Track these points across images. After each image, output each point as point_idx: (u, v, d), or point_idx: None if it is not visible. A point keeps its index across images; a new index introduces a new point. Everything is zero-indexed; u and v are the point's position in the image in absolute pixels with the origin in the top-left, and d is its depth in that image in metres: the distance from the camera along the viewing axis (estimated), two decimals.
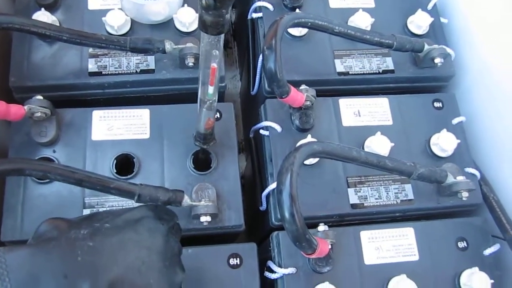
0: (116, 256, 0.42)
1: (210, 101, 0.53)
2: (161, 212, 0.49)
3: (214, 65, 0.49)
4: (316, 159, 0.66)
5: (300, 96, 0.64)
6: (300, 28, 0.73)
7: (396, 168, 0.60)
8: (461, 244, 0.67)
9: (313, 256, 0.55)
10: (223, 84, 0.72)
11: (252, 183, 0.79)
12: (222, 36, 0.46)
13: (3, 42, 0.73)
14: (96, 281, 0.40)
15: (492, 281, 0.63)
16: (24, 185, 0.62)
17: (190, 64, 0.67)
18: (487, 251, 0.66)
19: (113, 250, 0.42)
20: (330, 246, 0.59)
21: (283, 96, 0.62)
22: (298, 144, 0.62)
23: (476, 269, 0.64)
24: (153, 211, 0.48)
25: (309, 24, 0.64)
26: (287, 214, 0.49)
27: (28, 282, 0.38)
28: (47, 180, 0.62)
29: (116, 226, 0.44)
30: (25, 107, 0.60)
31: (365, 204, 0.67)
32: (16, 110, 0.59)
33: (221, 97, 0.77)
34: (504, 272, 0.68)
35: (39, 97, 0.62)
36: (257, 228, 0.80)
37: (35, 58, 0.69)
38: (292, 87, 0.63)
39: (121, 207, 0.63)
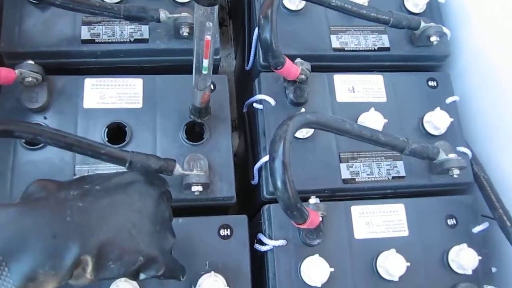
0: (107, 218, 0.42)
1: (205, 75, 0.53)
2: (152, 178, 0.48)
3: (208, 37, 0.48)
4: (310, 133, 0.66)
5: (295, 68, 0.64)
6: (297, 2, 0.73)
7: (389, 143, 0.60)
8: (451, 222, 0.67)
9: (304, 226, 0.55)
10: (217, 57, 0.71)
11: (245, 160, 0.78)
12: (216, 7, 0.45)
13: None
14: (86, 242, 0.39)
15: (480, 257, 0.63)
16: (14, 151, 0.61)
17: (185, 34, 0.66)
18: (476, 229, 0.67)
19: (103, 212, 0.42)
20: (320, 219, 0.59)
21: (278, 67, 0.61)
22: None
23: (464, 245, 0.64)
24: (144, 176, 0.47)
25: None
26: (279, 182, 0.49)
27: (15, 241, 0.37)
28: (38, 146, 0.61)
29: (106, 189, 0.44)
30: (16, 71, 0.59)
31: (356, 180, 0.67)
32: (6, 74, 0.58)
33: (215, 71, 0.77)
34: (491, 250, 0.68)
35: (31, 61, 0.61)
36: (248, 206, 0.80)
37: (27, 24, 0.68)
38: (287, 59, 0.62)
39: None
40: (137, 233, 0.43)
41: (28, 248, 0.37)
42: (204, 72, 0.52)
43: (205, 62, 0.51)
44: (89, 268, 0.39)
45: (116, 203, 0.43)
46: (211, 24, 0.46)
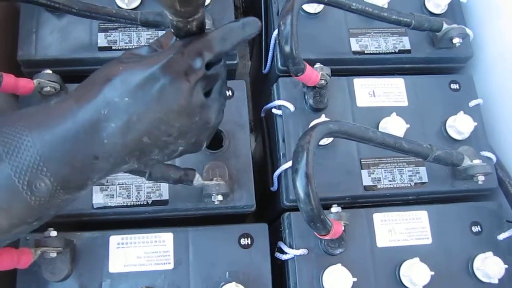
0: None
1: None
2: (184, 64, 0.39)
3: None
4: (330, 140, 0.65)
5: (315, 74, 0.62)
6: (315, 5, 0.71)
7: (413, 150, 0.59)
8: (475, 229, 0.66)
9: (327, 237, 0.54)
10: (235, 62, 0.70)
11: (262, 164, 0.78)
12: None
13: (11, 14, 0.71)
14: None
15: (506, 266, 0.62)
16: None
17: None
18: (501, 236, 0.65)
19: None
20: (343, 228, 0.58)
21: (298, 74, 0.60)
22: (313, 123, 0.61)
23: (490, 253, 0.63)
24: (169, 72, 0.39)
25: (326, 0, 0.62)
26: (302, 194, 0.48)
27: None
28: None
29: (134, 101, 0.38)
30: (34, 81, 0.59)
31: (378, 186, 0.66)
32: (25, 84, 0.57)
33: (233, 76, 0.76)
34: None
35: (48, 71, 0.60)
36: (265, 211, 0.79)
37: (43, 32, 0.67)
38: (307, 65, 0.61)
39: (131, 183, 0.62)
40: (175, 136, 0.39)
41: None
42: None
43: None
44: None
45: (146, 112, 0.38)
46: None
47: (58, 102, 0.38)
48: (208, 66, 0.40)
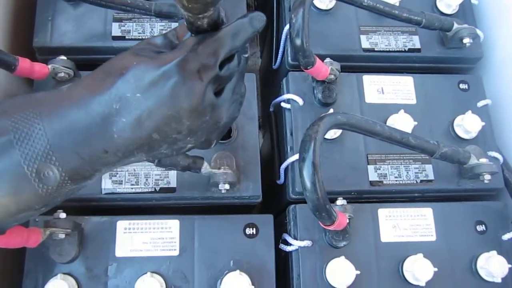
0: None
1: None
2: (196, 63, 0.39)
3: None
4: (337, 134, 0.66)
5: (324, 68, 0.63)
6: (327, 1, 0.72)
7: (419, 146, 0.59)
8: (480, 228, 0.66)
9: (331, 228, 0.54)
10: (246, 55, 0.71)
11: (269, 159, 0.78)
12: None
13: (28, 2, 0.72)
14: None
15: (510, 265, 0.62)
16: None
17: None
18: (506, 236, 0.65)
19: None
20: (348, 221, 0.58)
21: (308, 67, 0.61)
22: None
23: (494, 252, 0.63)
24: (182, 70, 0.38)
25: None
26: (308, 183, 0.49)
27: None
28: None
29: (146, 96, 0.38)
30: (49, 66, 0.60)
31: (384, 182, 0.66)
32: (40, 69, 0.59)
33: None
34: None
35: (63, 57, 0.62)
36: (271, 204, 0.80)
37: (59, 20, 0.69)
38: (317, 59, 0.62)
39: (140, 170, 0.63)
40: (184, 133, 0.40)
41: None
42: None
43: None
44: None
45: (157, 109, 0.38)
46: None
47: (70, 89, 0.38)
48: (221, 64, 0.40)
